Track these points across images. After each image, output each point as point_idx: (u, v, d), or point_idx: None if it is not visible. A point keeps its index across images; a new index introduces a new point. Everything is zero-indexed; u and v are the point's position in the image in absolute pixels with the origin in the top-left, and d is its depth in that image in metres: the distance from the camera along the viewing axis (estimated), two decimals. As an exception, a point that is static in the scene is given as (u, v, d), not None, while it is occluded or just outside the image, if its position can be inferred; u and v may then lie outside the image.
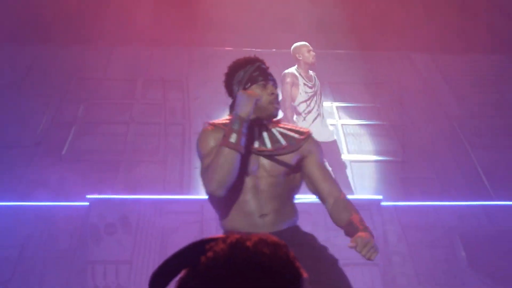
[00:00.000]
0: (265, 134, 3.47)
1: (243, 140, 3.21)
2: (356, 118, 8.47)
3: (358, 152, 7.69)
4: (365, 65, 9.04)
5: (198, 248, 1.39)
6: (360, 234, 3.12)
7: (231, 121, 3.25)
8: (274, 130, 3.51)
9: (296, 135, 3.54)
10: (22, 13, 9.06)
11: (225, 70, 3.61)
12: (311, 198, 3.63)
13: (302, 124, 7.01)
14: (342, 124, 8.26)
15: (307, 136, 3.59)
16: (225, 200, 3.37)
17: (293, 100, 7.07)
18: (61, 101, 8.43)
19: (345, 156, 7.49)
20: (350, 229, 3.29)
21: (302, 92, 7.03)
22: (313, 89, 7.11)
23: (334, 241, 5.39)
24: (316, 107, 7.07)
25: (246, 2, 9.15)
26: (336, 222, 3.43)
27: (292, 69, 7.16)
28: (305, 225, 5.31)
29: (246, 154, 3.33)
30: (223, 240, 1.39)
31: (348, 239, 3.37)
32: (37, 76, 8.62)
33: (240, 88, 3.47)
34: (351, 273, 5.54)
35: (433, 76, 9.33)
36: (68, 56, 9.05)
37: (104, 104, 8.44)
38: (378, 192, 6.99)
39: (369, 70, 9.05)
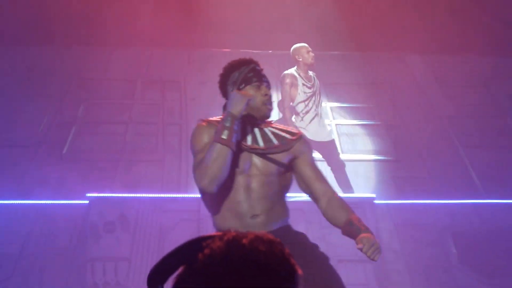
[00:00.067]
0: (257, 133, 3.46)
1: (234, 137, 3.21)
2: (350, 118, 8.46)
3: (352, 151, 7.68)
4: (359, 66, 9.03)
5: (195, 245, 1.39)
6: (364, 235, 3.15)
7: (223, 119, 3.25)
8: (266, 130, 3.51)
9: (287, 136, 3.53)
10: (24, 14, 9.03)
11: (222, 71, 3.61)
12: (306, 196, 3.62)
13: (299, 124, 7.00)
14: (336, 124, 8.24)
15: (299, 137, 3.58)
16: (217, 200, 3.36)
17: (292, 100, 7.07)
18: (62, 101, 8.39)
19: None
20: (350, 229, 3.29)
21: (301, 93, 7.03)
22: (312, 89, 7.10)
23: (329, 239, 5.41)
24: (314, 107, 7.06)
25: (244, 4, 9.14)
26: (332, 221, 3.42)
27: (292, 70, 7.16)
28: (299, 222, 5.32)
29: (239, 152, 3.34)
30: (220, 237, 1.39)
31: (345, 238, 3.38)
32: (39, 77, 8.58)
33: (235, 88, 3.47)
34: (345, 270, 5.56)
35: (425, 77, 9.32)
36: (69, 56, 9.01)
37: (104, 104, 8.40)
38: (372, 190, 6.98)
39: (362, 71, 9.03)
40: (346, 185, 6.91)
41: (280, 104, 7.36)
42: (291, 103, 7.08)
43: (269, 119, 3.60)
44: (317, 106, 7.10)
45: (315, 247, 3.40)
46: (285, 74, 7.13)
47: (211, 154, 3.17)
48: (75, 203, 6.38)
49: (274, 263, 1.34)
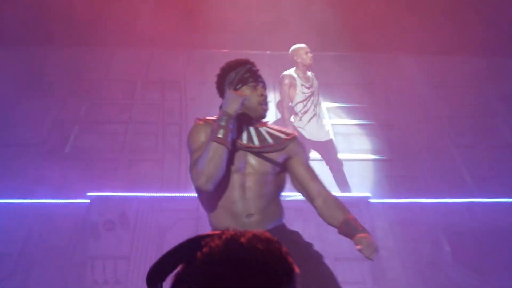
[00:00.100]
0: (253, 133, 3.43)
1: (230, 135, 3.19)
2: (345, 118, 8.45)
3: (347, 151, 7.65)
4: (353, 66, 9.00)
5: (194, 244, 1.38)
6: (362, 235, 3.15)
7: (219, 118, 3.23)
8: (261, 130, 3.48)
9: (282, 135, 3.51)
10: (27, 15, 9.02)
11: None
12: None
13: (298, 123, 7.00)
14: (331, 124, 8.23)
15: (293, 137, 3.55)
16: (213, 199, 3.32)
17: (291, 100, 7.06)
18: (64, 101, 8.39)
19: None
20: (347, 229, 3.27)
21: (300, 93, 7.02)
22: (311, 89, 7.09)
23: (326, 237, 5.39)
24: (312, 107, 7.05)
25: (243, 6, 9.13)
26: (329, 221, 3.39)
27: (291, 71, 7.15)
28: (297, 221, 5.31)
29: (234, 151, 3.31)
30: (218, 236, 1.38)
31: (341, 236, 3.36)
32: (41, 77, 8.56)
33: (231, 89, 3.45)
34: (342, 268, 5.55)
35: (418, 78, 9.32)
36: (71, 57, 8.99)
37: (106, 104, 8.38)
38: (367, 189, 6.98)
39: (357, 71, 9.01)
40: (343, 184, 6.90)
41: (279, 105, 7.37)
42: (290, 104, 7.08)
43: (265, 120, 3.57)
44: (315, 106, 7.09)
45: (309, 245, 3.36)
46: (284, 75, 7.12)
47: (207, 153, 3.14)
48: (76, 202, 6.37)
49: (272, 261, 1.34)
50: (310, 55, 7.13)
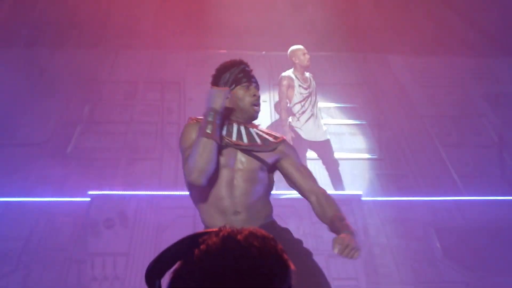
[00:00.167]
0: (243, 131, 3.38)
1: (218, 130, 3.18)
2: (337, 118, 8.43)
3: (339, 150, 7.60)
4: (344, 67, 8.99)
5: (192, 241, 1.37)
6: (340, 236, 3.01)
7: (205, 114, 3.21)
8: (251, 130, 3.43)
9: (271, 138, 3.45)
10: (33, 19, 9.06)
11: None
12: (297, 193, 3.60)
13: (295, 124, 6.99)
14: (324, 124, 8.25)
15: (282, 140, 3.50)
16: (203, 196, 3.27)
17: (289, 101, 7.07)
18: (68, 101, 8.38)
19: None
20: (333, 228, 3.24)
21: (298, 94, 7.00)
22: (308, 90, 7.07)
23: (320, 234, 5.37)
24: (310, 107, 7.03)
25: (239, 9, 9.14)
26: (321, 218, 3.36)
27: (289, 72, 7.12)
28: (292, 218, 5.30)
29: (224, 147, 3.27)
30: (216, 233, 1.38)
31: (332, 234, 3.36)
32: (45, 79, 8.51)
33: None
34: (336, 264, 5.51)
35: (407, 78, 9.32)
36: (75, 59, 8.98)
37: (107, 104, 8.35)
38: (358, 188, 6.97)
39: (347, 72, 9.01)
40: (338, 183, 6.91)
41: (277, 105, 7.37)
42: (288, 104, 7.07)
43: (256, 122, 3.53)
44: (313, 107, 7.06)
45: (300, 242, 3.32)
46: (282, 76, 7.10)
47: (198, 149, 3.12)
48: (77, 200, 6.36)
49: (268, 258, 1.33)
50: (307, 56, 7.11)
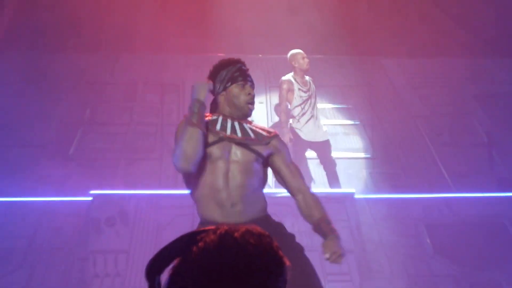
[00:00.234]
0: (237, 127, 3.41)
1: (203, 119, 3.27)
2: (331, 119, 8.44)
3: (333, 149, 7.62)
4: (338, 69, 9.01)
5: (190, 239, 1.38)
6: (328, 242, 3.20)
7: (190, 106, 3.30)
8: (245, 125, 3.45)
9: (264, 133, 3.48)
10: (36, 24, 9.05)
11: None
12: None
13: (296, 125, 7.00)
14: (323, 125, 8.24)
15: (275, 135, 3.53)
16: (200, 189, 3.30)
17: (290, 103, 7.08)
18: (70, 104, 8.37)
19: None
20: (319, 231, 3.31)
21: (297, 97, 7.01)
22: (308, 93, 7.07)
23: (314, 232, 5.39)
24: (310, 109, 7.04)
25: (237, 13, 9.14)
26: (306, 218, 3.41)
27: (289, 76, 7.12)
28: (287, 216, 5.28)
29: (219, 141, 3.31)
30: (213, 231, 1.38)
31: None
32: (48, 82, 8.52)
33: (222, 86, 3.46)
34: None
35: (400, 79, 9.33)
36: (77, 63, 8.97)
37: (108, 106, 8.35)
38: (351, 186, 6.97)
39: (342, 74, 9.01)
40: (335, 182, 6.93)
41: (277, 108, 7.39)
42: (288, 107, 7.09)
43: (250, 119, 3.56)
44: (312, 109, 7.07)
45: (293, 237, 3.35)
46: (282, 80, 7.12)
47: (185, 137, 3.19)
48: (79, 200, 6.35)
49: (263, 255, 1.34)
50: (306, 60, 7.11)
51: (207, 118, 3.42)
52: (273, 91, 8.55)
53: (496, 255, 6.00)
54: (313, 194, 3.44)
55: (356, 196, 6.51)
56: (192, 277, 1.30)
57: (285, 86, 7.01)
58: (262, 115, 7.90)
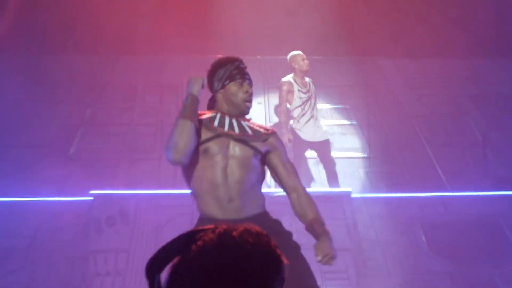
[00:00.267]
0: (234, 123, 3.42)
1: (195, 113, 3.27)
2: (328, 119, 8.45)
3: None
4: (336, 69, 9.03)
5: (189, 237, 1.38)
6: (320, 244, 3.21)
7: (184, 99, 3.33)
8: (243, 123, 3.46)
9: (262, 130, 3.49)
10: (38, 27, 9.06)
11: None
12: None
13: (296, 126, 7.01)
14: (324, 125, 8.25)
15: (272, 132, 3.54)
16: (199, 184, 3.30)
17: (290, 104, 7.09)
18: (70, 105, 8.37)
19: (315, 154, 7.49)
20: (311, 231, 3.32)
21: (297, 98, 7.02)
22: (307, 94, 7.08)
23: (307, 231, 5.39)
24: (309, 110, 7.05)
25: (235, 15, 9.14)
26: (299, 217, 3.41)
27: (289, 77, 7.13)
28: (285, 216, 5.29)
29: (216, 137, 3.32)
30: (212, 230, 1.38)
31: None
32: (49, 84, 8.52)
33: (220, 84, 3.47)
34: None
35: (395, 79, 9.33)
36: (78, 65, 8.96)
37: (108, 107, 8.36)
38: (348, 185, 6.98)
39: (339, 74, 9.02)
40: (334, 181, 6.94)
41: (277, 109, 7.41)
42: (289, 106, 7.10)
43: (248, 117, 3.56)
44: (312, 109, 7.08)
45: (290, 235, 3.35)
46: (282, 81, 7.12)
47: (177, 129, 3.21)
48: (80, 199, 6.35)
49: (262, 254, 1.34)
50: (306, 61, 7.12)
51: (205, 116, 3.43)
52: (271, 92, 8.55)
53: (490, 253, 6.02)
54: (307, 194, 3.44)
55: (353, 195, 6.52)
56: (191, 275, 1.31)
57: (285, 88, 7.03)
58: (260, 115, 7.90)
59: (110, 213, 5.99)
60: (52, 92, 8.40)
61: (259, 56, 9.13)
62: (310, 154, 7.25)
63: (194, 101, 3.31)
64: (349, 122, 8.42)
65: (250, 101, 3.49)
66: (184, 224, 5.76)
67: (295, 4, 9.47)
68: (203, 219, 3.31)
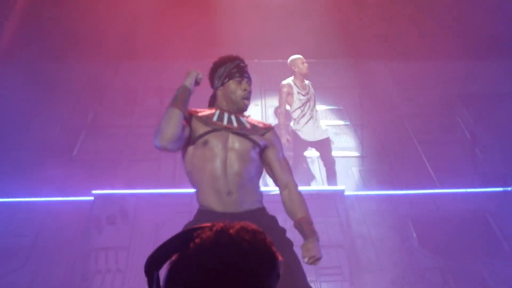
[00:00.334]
0: (233, 119, 3.42)
1: (185, 102, 3.27)
2: (323, 119, 8.45)
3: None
4: (329, 72, 9.05)
5: (187, 235, 1.38)
6: (308, 245, 3.24)
7: (177, 89, 3.34)
8: (242, 118, 3.46)
9: (260, 125, 3.49)
10: (43, 35, 9.07)
11: None
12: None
13: (296, 126, 7.04)
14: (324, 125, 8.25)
15: (270, 127, 3.55)
16: (199, 177, 3.30)
17: (290, 106, 7.12)
18: (73, 108, 8.36)
19: (313, 153, 7.50)
20: (300, 230, 3.33)
21: (297, 100, 7.04)
22: (307, 96, 7.10)
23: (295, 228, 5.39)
24: (309, 111, 7.07)
25: (234, 21, 9.15)
26: (289, 214, 3.41)
27: (289, 80, 7.15)
28: (280, 214, 5.30)
29: (215, 130, 3.33)
30: (209, 228, 1.38)
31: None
32: (52, 88, 8.51)
33: (220, 82, 3.49)
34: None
35: (388, 81, 9.35)
36: (80, 70, 8.95)
37: (110, 110, 8.37)
38: (342, 183, 6.98)
39: (333, 76, 9.04)
40: (333, 180, 6.96)
41: (277, 110, 7.44)
42: (288, 109, 7.11)
43: (246, 114, 3.56)
44: (311, 110, 7.10)
45: (284, 232, 3.34)
46: (283, 84, 7.15)
47: (166, 117, 3.20)
48: (81, 199, 6.35)
49: (258, 251, 1.34)
50: (306, 64, 7.14)
51: (205, 112, 3.44)
52: (268, 94, 8.57)
53: (479, 248, 6.02)
54: (299, 192, 3.43)
55: (346, 193, 6.52)
56: (189, 273, 1.31)
57: (285, 90, 7.07)
58: (257, 117, 7.90)
59: (110, 212, 6.00)
60: (56, 96, 8.39)
61: (256, 60, 9.13)
62: (309, 153, 7.28)
63: (185, 91, 3.31)
64: (343, 123, 8.43)
65: (248, 98, 3.50)
66: (183, 222, 5.70)
67: (291, 11, 9.49)
68: (201, 210, 3.32)
